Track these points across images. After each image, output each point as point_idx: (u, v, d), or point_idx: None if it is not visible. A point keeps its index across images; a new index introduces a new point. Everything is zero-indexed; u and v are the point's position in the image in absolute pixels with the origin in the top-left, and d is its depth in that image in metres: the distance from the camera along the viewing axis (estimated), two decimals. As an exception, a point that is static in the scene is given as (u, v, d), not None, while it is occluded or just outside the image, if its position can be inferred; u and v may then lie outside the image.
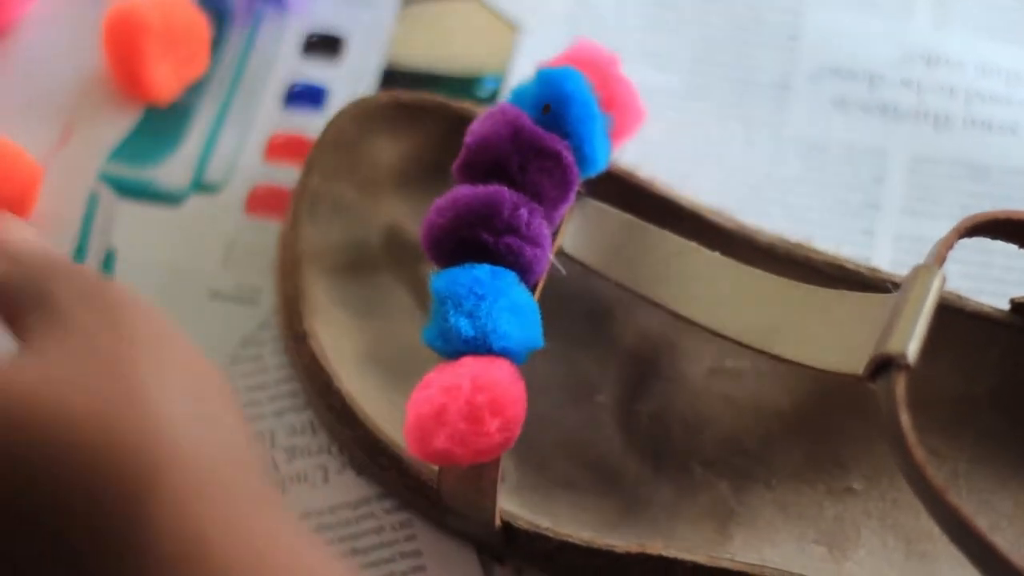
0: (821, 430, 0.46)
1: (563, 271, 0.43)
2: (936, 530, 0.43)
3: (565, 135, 0.43)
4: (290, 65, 0.56)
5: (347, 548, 0.46)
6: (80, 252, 0.51)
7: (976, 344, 0.45)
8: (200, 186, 0.53)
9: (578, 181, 0.43)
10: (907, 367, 0.37)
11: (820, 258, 0.47)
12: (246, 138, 0.54)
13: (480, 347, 0.40)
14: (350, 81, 0.56)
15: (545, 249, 0.42)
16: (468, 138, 0.42)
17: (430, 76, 0.56)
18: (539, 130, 0.42)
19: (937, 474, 0.36)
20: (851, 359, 0.39)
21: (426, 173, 0.49)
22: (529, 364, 0.41)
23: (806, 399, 0.46)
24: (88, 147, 0.53)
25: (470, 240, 0.41)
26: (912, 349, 0.37)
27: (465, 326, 0.40)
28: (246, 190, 0.53)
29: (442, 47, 0.56)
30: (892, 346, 0.37)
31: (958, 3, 0.56)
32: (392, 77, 0.56)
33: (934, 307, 0.38)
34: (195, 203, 0.52)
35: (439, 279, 0.41)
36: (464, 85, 0.55)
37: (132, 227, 0.52)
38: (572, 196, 0.43)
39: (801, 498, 0.45)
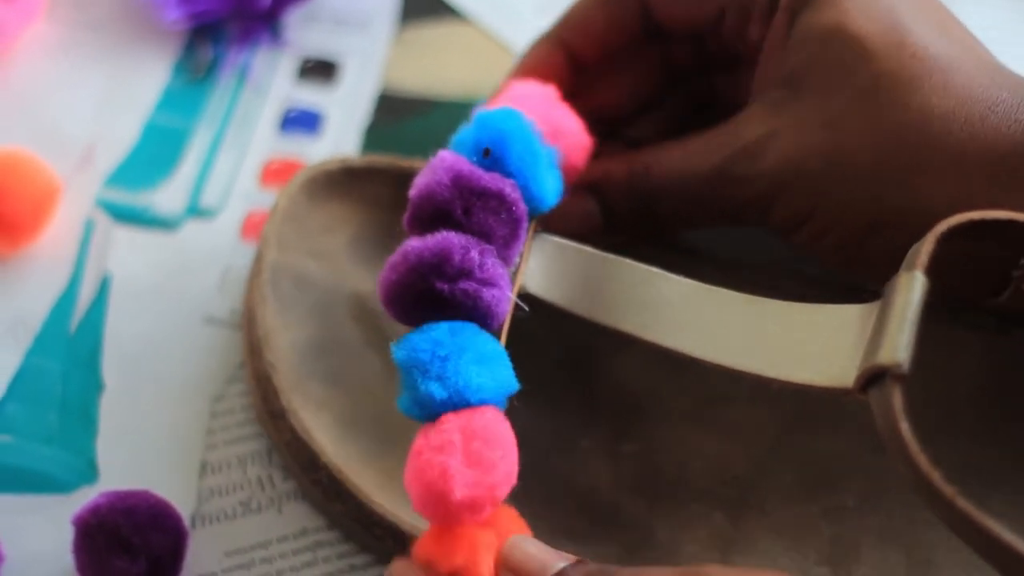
0: (809, 450, 0.45)
1: (527, 309, 0.42)
2: (935, 537, 0.43)
3: (509, 175, 0.42)
4: (285, 90, 0.56)
5: (345, 565, 0.46)
6: (76, 277, 0.51)
7: (952, 347, 0.45)
8: (195, 211, 0.53)
9: (526, 217, 0.42)
10: (902, 377, 0.37)
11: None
12: (241, 163, 0.54)
13: (458, 405, 0.39)
14: (345, 106, 0.56)
15: (503, 289, 0.41)
16: (411, 192, 0.42)
17: (425, 100, 0.56)
18: (478, 171, 0.41)
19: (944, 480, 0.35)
20: (837, 373, 0.38)
21: (382, 235, 0.49)
22: (508, 417, 0.40)
23: (791, 421, 0.46)
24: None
25: (426, 291, 0.40)
26: (904, 358, 0.36)
27: (437, 390, 0.39)
28: (242, 215, 0.53)
29: (437, 71, 0.57)
30: (884, 356, 0.37)
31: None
32: (387, 101, 0.56)
33: (919, 313, 0.37)
34: (190, 228, 0.52)
35: (400, 348, 0.40)
36: (460, 109, 0.55)
37: (128, 252, 0.52)
38: (523, 233, 0.42)
39: (797, 520, 0.44)
